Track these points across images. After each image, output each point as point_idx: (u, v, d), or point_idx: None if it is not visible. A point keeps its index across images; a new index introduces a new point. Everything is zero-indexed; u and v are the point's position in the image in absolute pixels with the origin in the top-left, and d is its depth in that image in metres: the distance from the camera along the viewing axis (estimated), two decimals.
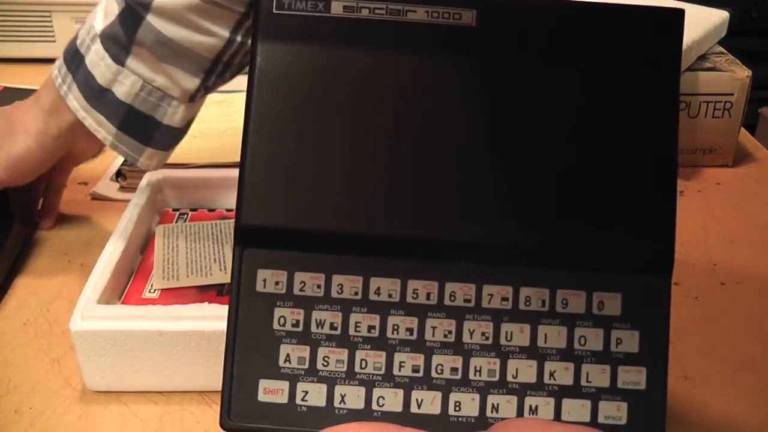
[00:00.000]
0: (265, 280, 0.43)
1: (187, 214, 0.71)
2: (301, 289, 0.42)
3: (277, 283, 0.42)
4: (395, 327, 0.42)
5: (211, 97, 0.97)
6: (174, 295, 0.58)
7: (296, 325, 0.42)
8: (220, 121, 0.92)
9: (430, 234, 0.42)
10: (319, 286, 0.42)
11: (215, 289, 0.59)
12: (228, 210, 0.72)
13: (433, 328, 0.42)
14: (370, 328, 0.42)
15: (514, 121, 0.43)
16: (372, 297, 0.42)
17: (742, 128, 0.87)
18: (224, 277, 0.60)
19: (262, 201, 0.42)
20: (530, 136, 0.43)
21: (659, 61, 0.43)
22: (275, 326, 0.42)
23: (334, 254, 0.43)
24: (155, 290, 0.59)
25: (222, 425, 0.41)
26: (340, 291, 0.42)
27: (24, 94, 0.67)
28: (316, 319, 0.42)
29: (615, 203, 0.42)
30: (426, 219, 0.42)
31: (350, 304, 0.42)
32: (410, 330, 0.42)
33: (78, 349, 0.51)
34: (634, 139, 0.43)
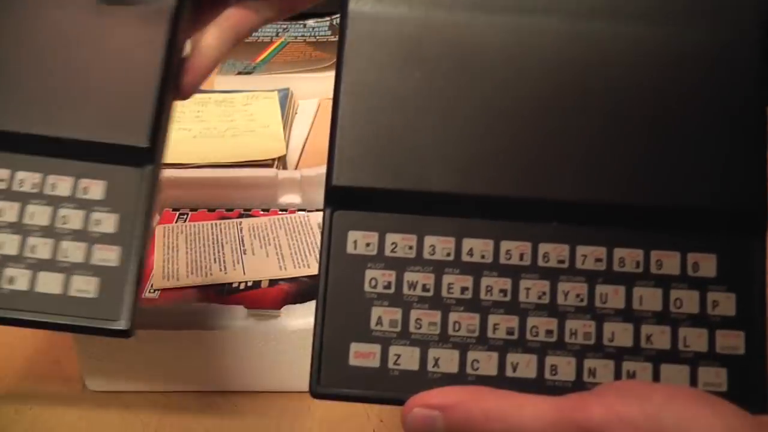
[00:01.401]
0: (355, 242, 0.42)
1: (187, 214, 0.72)
2: (392, 251, 0.41)
3: (368, 245, 0.41)
4: (488, 288, 0.41)
5: (211, 97, 0.97)
6: (174, 295, 0.58)
7: (388, 287, 0.41)
8: (221, 121, 0.91)
9: (522, 193, 0.41)
10: (410, 248, 0.41)
11: (215, 289, 0.59)
12: (228, 210, 0.72)
13: (527, 289, 0.41)
14: (463, 289, 0.41)
15: (606, 80, 0.42)
16: (464, 258, 0.41)
17: None
18: (224, 277, 0.60)
19: (353, 161, 0.41)
20: (622, 95, 0.42)
21: (743, 18, 0.42)
22: (366, 288, 0.41)
23: (426, 215, 0.42)
24: (155, 290, 0.59)
25: (312, 391, 0.40)
26: (432, 252, 0.41)
27: None
28: (407, 281, 0.41)
29: (707, 162, 0.42)
30: (518, 178, 0.41)
31: (442, 266, 0.41)
32: (503, 291, 0.41)
33: (78, 349, 0.50)
34: (723, 97, 0.42)
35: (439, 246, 0.41)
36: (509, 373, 0.40)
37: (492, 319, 0.41)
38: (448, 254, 0.41)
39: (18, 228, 0.45)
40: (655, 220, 0.42)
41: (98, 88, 0.46)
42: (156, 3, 0.47)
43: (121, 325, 0.43)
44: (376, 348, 0.41)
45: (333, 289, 0.41)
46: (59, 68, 0.46)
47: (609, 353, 0.41)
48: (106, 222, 0.45)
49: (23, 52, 0.46)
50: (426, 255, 0.41)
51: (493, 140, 0.42)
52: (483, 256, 0.41)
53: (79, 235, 0.45)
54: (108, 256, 0.45)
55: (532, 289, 0.41)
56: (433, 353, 0.40)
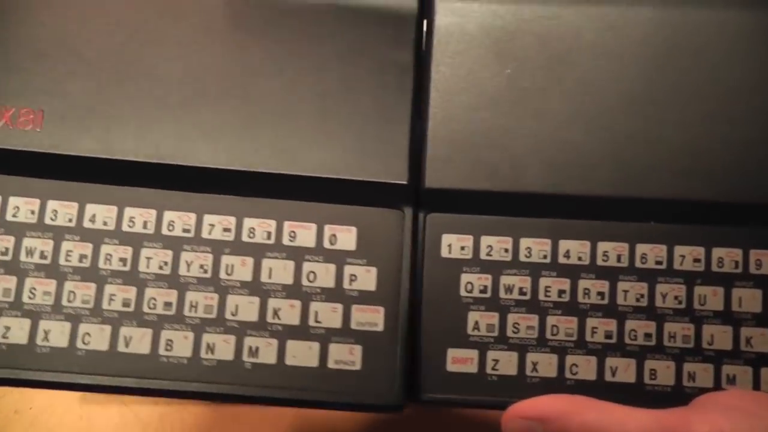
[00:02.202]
0: (450, 245, 0.40)
1: None
2: (488, 254, 0.40)
3: (462, 248, 0.40)
4: (586, 291, 0.40)
5: None
6: None
7: (484, 291, 0.40)
8: None
9: (619, 192, 0.40)
10: (506, 250, 0.40)
11: None
12: None
13: (625, 291, 0.40)
14: (560, 292, 0.40)
15: (702, 70, 0.41)
16: (561, 260, 0.40)
17: None
18: None
19: (446, 162, 0.40)
20: (720, 86, 0.41)
21: None
22: (462, 293, 0.40)
23: (521, 216, 0.41)
24: None
25: (412, 398, 0.39)
26: (528, 254, 0.40)
27: None
28: (504, 285, 0.40)
29: None
30: (614, 176, 0.40)
31: (539, 268, 0.40)
32: (601, 294, 0.40)
33: None
34: None
35: (535, 248, 0.40)
36: (608, 377, 0.39)
37: (590, 322, 0.40)
38: (545, 256, 0.40)
39: (255, 288, 0.39)
40: (755, 217, 0.41)
41: (340, 115, 0.41)
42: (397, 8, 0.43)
43: (395, 400, 0.38)
44: (474, 353, 0.40)
45: (428, 295, 0.40)
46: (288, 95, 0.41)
47: (708, 357, 0.40)
48: (364, 277, 0.40)
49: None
50: (522, 257, 0.40)
51: (588, 137, 0.41)
52: (580, 258, 0.40)
53: (331, 295, 0.40)
54: (370, 318, 0.40)
55: (630, 292, 0.40)
56: (531, 358, 0.40)
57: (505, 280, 0.40)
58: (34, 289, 0.38)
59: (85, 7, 0.41)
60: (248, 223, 0.39)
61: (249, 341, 0.38)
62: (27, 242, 0.39)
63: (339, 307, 0.39)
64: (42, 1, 0.41)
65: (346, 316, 0.39)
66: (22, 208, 0.39)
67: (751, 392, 0.37)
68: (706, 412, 0.35)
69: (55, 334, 0.38)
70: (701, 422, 0.33)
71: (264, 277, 0.39)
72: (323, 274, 0.39)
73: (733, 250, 0.41)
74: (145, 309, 0.38)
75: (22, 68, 0.40)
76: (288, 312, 0.38)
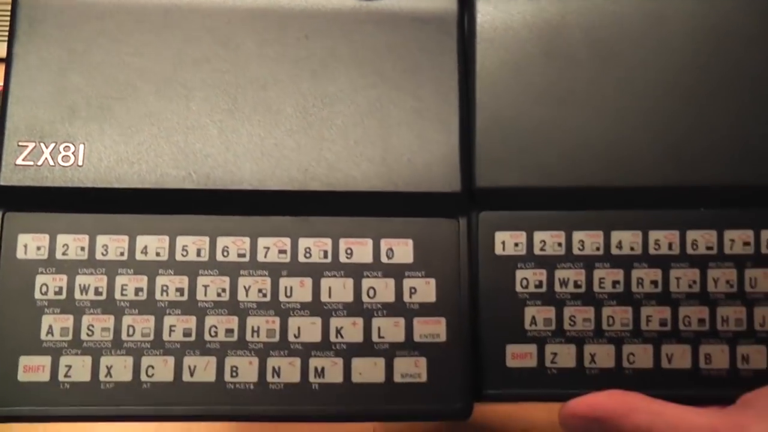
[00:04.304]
0: (503, 243, 0.40)
1: None
2: (541, 249, 0.40)
3: (516, 245, 0.40)
4: (639, 280, 0.40)
5: None
6: None
7: (539, 285, 0.40)
8: None
9: (668, 182, 0.40)
10: (559, 244, 0.40)
11: None
12: None
13: (677, 278, 0.41)
14: (614, 283, 0.40)
15: (735, 60, 0.41)
16: (614, 251, 0.41)
17: None
18: None
19: (497, 160, 0.40)
20: (754, 75, 0.41)
21: None
22: (518, 289, 0.40)
23: (572, 210, 0.40)
24: None
25: (476, 395, 0.40)
26: (581, 247, 0.40)
27: None
28: (559, 278, 0.40)
29: None
30: (663, 166, 0.40)
31: (593, 260, 0.40)
32: (654, 282, 0.40)
33: None
34: None
35: (588, 241, 0.40)
36: (665, 364, 0.40)
37: (645, 311, 0.40)
38: (598, 248, 0.40)
39: (315, 308, 0.39)
40: None
41: (385, 125, 0.40)
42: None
43: (462, 407, 0.39)
44: (533, 348, 0.40)
45: (485, 293, 0.40)
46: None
47: (761, 338, 0.41)
48: (423, 289, 0.40)
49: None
50: (575, 251, 0.40)
51: (636, 128, 0.40)
52: (632, 248, 0.40)
53: (392, 309, 0.39)
54: (432, 330, 0.40)
55: (682, 279, 0.41)
56: (588, 349, 0.40)
57: (560, 273, 0.40)
58: (92, 326, 0.38)
59: (116, 38, 0.39)
60: (303, 243, 0.39)
61: (314, 362, 0.38)
62: (80, 279, 0.38)
63: (401, 321, 0.39)
64: (72, 32, 0.39)
65: (409, 330, 0.39)
66: (71, 245, 0.38)
67: None
68: (759, 416, 0.36)
69: (118, 369, 0.37)
70: (756, 423, 0.35)
71: (324, 297, 0.39)
72: (383, 289, 0.39)
73: None
74: (207, 337, 0.38)
75: (61, 103, 0.38)
76: (350, 330, 0.39)
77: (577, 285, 0.40)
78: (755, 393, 0.38)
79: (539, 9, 0.41)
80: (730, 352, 0.40)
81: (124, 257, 0.38)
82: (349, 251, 0.39)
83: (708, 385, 0.40)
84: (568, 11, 0.41)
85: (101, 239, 0.38)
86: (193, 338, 0.38)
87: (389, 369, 0.39)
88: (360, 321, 0.39)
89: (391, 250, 0.39)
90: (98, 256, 0.38)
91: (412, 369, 0.39)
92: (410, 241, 0.39)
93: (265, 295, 0.38)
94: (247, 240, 0.38)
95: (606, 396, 0.38)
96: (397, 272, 0.39)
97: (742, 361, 0.40)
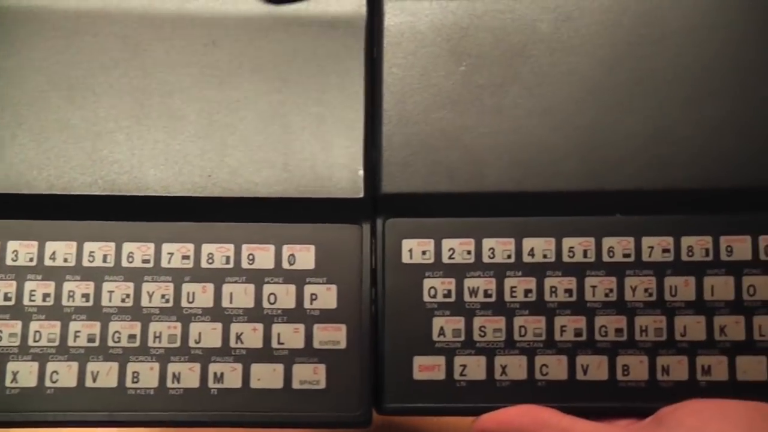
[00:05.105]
0: (411, 251, 0.40)
1: None
2: (450, 257, 0.40)
3: (424, 253, 0.40)
4: (553, 289, 0.39)
5: None
6: None
7: (448, 295, 0.39)
8: None
9: (583, 186, 0.39)
10: (469, 252, 0.40)
11: None
12: None
13: (593, 287, 0.39)
14: (527, 292, 0.39)
15: (663, 58, 0.40)
16: (526, 259, 0.40)
17: None
18: None
19: (403, 166, 0.39)
20: (682, 72, 0.40)
21: None
22: (426, 298, 0.40)
23: (482, 216, 0.40)
24: None
25: (378, 408, 0.39)
26: (491, 255, 0.40)
27: None
28: (468, 288, 0.39)
29: None
30: (577, 170, 0.39)
31: (503, 269, 0.40)
32: (569, 291, 0.39)
33: None
34: None
35: (498, 248, 0.40)
36: (580, 376, 0.39)
37: (558, 320, 0.39)
38: (509, 256, 0.40)
39: (217, 314, 0.39)
40: (723, 203, 0.39)
41: (290, 131, 0.40)
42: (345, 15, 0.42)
43: (361, 416, 0.39)
44: (441, 360, 0.39)
45: (391, 303, 0.40)
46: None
47: (682, 348, 0.39)
48: (324, 296, 0.40)
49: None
50: (486, 259, 0.40)
51: (549, 132, 0.40)
52: (545, 256, 0.40)
53: (292, 316, 0.39)
54: (332, 337, 0.39)
55: (599, 287, 0.39)
56: (499, 361, 0.39)
57: (469, 282, 0.39)
58: (0, 331, 0.38)
59: (26, 44, 0.41)
60: (207, 248, 0.39)
61: (214, 368, 0.38)
62: None
63: (301, 327, 0.39)
64: None
65: (309, 336, 0.39)
66: None
67: (716, 404, 0.37)
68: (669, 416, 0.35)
69: (23, 374, 0.38)
70: None
71: (225, 303, 0.39)
72: (283, 296, 0.39)
73: (703, 237, 0.39)
74: (110, 343, 0.38)
75: None
76: (251, 336, 0.39)
77: (487, 294, 0.39)
78: (671, 408, 0.37)
79: (448, 11, 0.41)
80: (650, 362, 0.39)
81: (33, 263, 0.39)
82: (251, 257, 0.39)
83: (626, 397, 0.39)
84: (476, 13, 0.41)
85: (11, 245, 0.39)
86: (97, 344, 0.38)
87: (288, 375, 0.38)
88: (260, 327, 0.39)
89: (293, 256, 0.39)
90: (8, 262, 0.39)
91: (310, 376, 0.38)
92: (312, 248, 0.39)
93: (168, 301, 0.39)
94: (151, 246, 0.39)
95: (516, 412, 0.37)
96: (298, 278, 0.39)
97: (662, 372, 0.39)
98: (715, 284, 0.39)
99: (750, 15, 0.40)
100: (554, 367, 0.39)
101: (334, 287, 0.39)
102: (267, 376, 0.38)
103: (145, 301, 0.39)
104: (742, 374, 0.39)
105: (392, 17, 0.41)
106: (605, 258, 0.40)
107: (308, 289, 0.39)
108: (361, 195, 0.39)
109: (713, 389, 0.39)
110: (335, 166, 0.39)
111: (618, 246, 0.40)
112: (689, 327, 0.39)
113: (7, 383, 0.38)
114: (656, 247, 0.39)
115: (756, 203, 0.39)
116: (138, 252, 0.39)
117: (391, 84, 0.40)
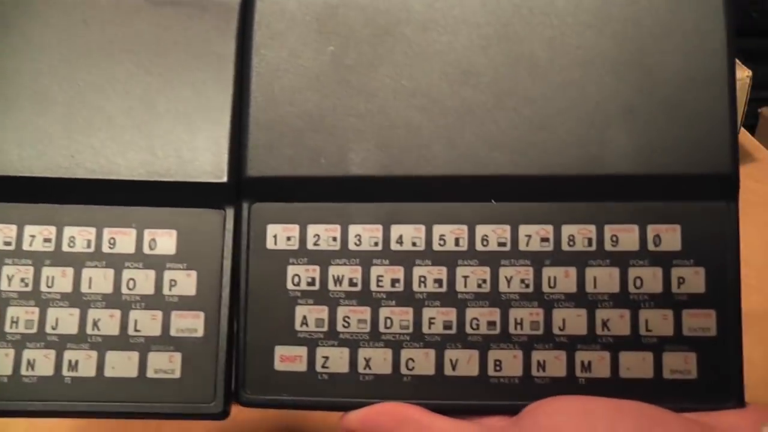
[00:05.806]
0: (275, 236, 0.38)
1: None
2: (315, 243, 0.38)
3: (288, 239, 0.38)
4: (422, 279, 0.37)
5: None
6: None
7: (312, 283, 0.38)
8: None
9: (454, 171, 0.37)
10: (334, 239, 0.38)
11: None
12: None
13: (465, 277, 0.37)
14: (394, 281, 0.37)
15: (542, 40, 0.37)
16: (394, 247, 0.38)
17: (742, 128, 0.81)
18: None
19: (268, 149, 0.38)
20: (562, 57, 0.37)
21: None
22: (289, 286, 0.38)
23: (350, 202, 0.38)
24: None
25: (237, 399, 0.37)
26: (358, 242, 0.38)
27: None
28: (333, 276, 0.38)
29: (668, 124, 0.36)
30: (448, 155, 0.37)
31: (370, 257, 0.38)
32: (439, 281, 0.37)
33: None
34: (684, 49, 0.37)
35: (365, 235, 0.38)
36: (448, 371, 0.37)
37: (427, 312, 0.37)
38: (376, 243, 0.38)
39: (75, 299, 0.38)
40: (608, 191, 0.37)
41: (158, 114, 0.39)
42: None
43: (216, 407, 0.37)
44: (303, 351, 0.38)
45: (254, 290, 0.38)
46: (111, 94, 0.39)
47: (560, 343, 0.36)
48: (183, 283, 0.39)
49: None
50: (351, 246, 0.38)
51: (420, 115, 0.37)
52: (414, 244, 0.37)
53: (150, 302, 0.38)
54: (190, 324, 0.38)
55: (471, 277, 0.37)
56: (363, 353, 0.37)
57: (334, 270, 0.38)
58: None
59: None
60: (68, 231, 0.38)
61: (69, 355, 0.37)
62: None
63: (158, 314, 0.38)
64: None
65: (166, 324, 0.38)
66: None
67: (580, 402, 0.34)
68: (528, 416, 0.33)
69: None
70: None
71: (84, 288, 0.38)
72: (143, 281, 0.38)
73: (585, 226, 0.37)
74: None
75: None
76: (107, 322, 0.38)
77: (352, 283, 0.38)
78: (533, 406, 0.34)
79: None
80: (524, 358, 0.36)
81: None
82: (112, 241, 0.38)
83: (497, 394, 0.36)
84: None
85: None
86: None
87: (143, 364, 0.37)
88: (117, 313, 0.38)
89: (154, 240, 0.38)
90: None
91: (166, 364, 0.37)
92: (174, 232, 0.38)
93: (26, 285, 0.38)
94: (14, 228, 0.38)
95: (377, 410, 0.36)
96: (158, 264, 0.38)
97: (538, 368, 0.36)
98: (598, 276, 0.36)
99: None
100: (421, 362, 0.37)
101: (194, 273, 0.38)
102: (122, 365, 0.37)
103: (4, 285, 0.38)
104: (625, 371, 0.36)
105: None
106: (478, 247, 0.37)
107: (168, 275, 0.38)
108: (225, 179, 0.38)
109: (594, 386, 0.36)
110: (199, 149, 0.38)
111: (492, 234, 0.37)
112: (569, 320, 0.36)
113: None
114: (534, 235, 0.37)
115: (644, 192, 0.37)
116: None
117: (258, 66, 0.39)
